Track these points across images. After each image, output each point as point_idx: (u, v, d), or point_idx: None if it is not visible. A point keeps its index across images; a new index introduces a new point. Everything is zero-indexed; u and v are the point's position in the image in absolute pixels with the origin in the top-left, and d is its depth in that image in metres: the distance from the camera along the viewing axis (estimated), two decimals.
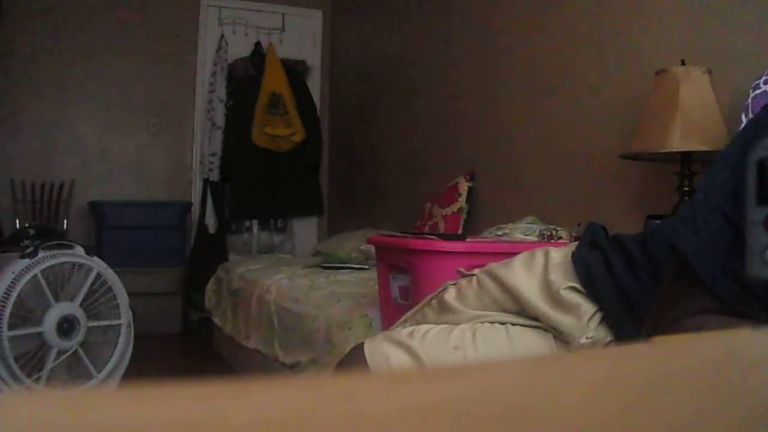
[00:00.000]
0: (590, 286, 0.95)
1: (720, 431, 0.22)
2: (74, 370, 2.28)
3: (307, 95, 4.93)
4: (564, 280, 0.97)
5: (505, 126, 3.13)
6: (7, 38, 4.21)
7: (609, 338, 0.94)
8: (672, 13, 2.27)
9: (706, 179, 0.73)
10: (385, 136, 4.30)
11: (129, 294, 2.45)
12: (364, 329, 2.10)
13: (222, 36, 4.78)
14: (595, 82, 2.59)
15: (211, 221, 4.71)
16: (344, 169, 4.97)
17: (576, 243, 1.05)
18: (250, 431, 0.17)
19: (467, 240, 1.91)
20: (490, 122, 3.23)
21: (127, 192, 4.45)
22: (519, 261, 1.05)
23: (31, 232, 2.83)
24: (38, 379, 2.18)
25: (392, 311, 1.84)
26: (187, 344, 4.07)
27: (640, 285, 0.90)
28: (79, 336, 2.26)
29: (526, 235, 2.16)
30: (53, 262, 2.24)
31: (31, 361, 2.18)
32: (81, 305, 2.28)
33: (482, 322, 1.03)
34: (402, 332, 1.05)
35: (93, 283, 2.32)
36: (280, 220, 4.92)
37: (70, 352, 2.25)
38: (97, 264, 2.35)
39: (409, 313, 1.17)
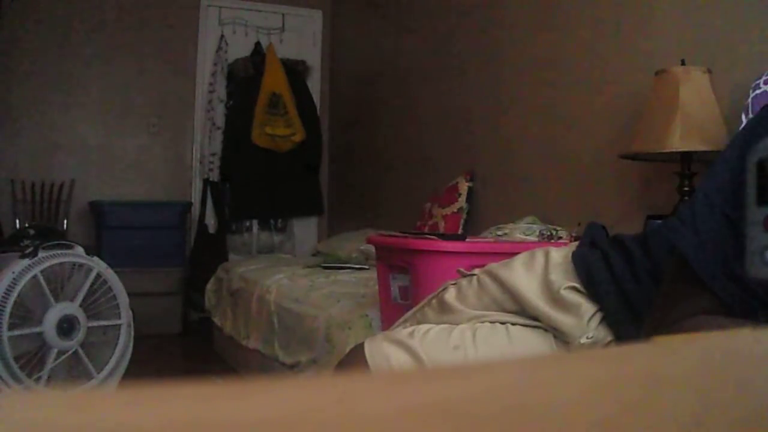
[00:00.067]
0: (590, 286, 0.95)
1: (720, 431, 0.22)
2: (74, 370, 2.28)
3: (307, 95, 4.94)
4: (564, 280, 0.97)
5: (505, 126, 3.13)
6: (7, 38, 4.21)
7: (609, 338, 0.94)
8: (672, 13, 2.27)
9: (706, 179, 0.73)
10: (385, 136, 4.30)
11: (129, 294, 2.45)
12: (364, 329, 2.10)
13: (222, 36, 4.78)
14: (595, 82, 2.59)
15: (211, 221, 4.71)
16: (344, 169, 4.97)
17: (576, 243, 1.05)
18: (250, 431, 0.17)
19: (467, 240, 1.92)
20: (491, 122, 3.23)
21: (127, 192, 4.45)
22: (519, 261, 1.05)
23: (31, 232, 2.83)
24: (38, 379, 2.18)
25: (392, 311, 1.84)
26: (187, 344, 4.07)
27: (641, 285, 0.90)
28: (79, 336, 2.26)
29: (526, 235, 2.16)
30: (53, 262, 2.24)
31: (31, 361, 2.18)
32: (81, 305, 2.28)
33: (482, 322, 1.03)
34: (402, 332, 1.05)
35: (93, 283, 2.32)
36: (280, 220, 4.92)
37: (70, 352, 2.25)
38: (97, 264, 2.35)
39: (409, 313, 1.17)
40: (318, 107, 5.03)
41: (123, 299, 2.40)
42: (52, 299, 2.22)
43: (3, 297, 2.12)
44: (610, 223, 1.23)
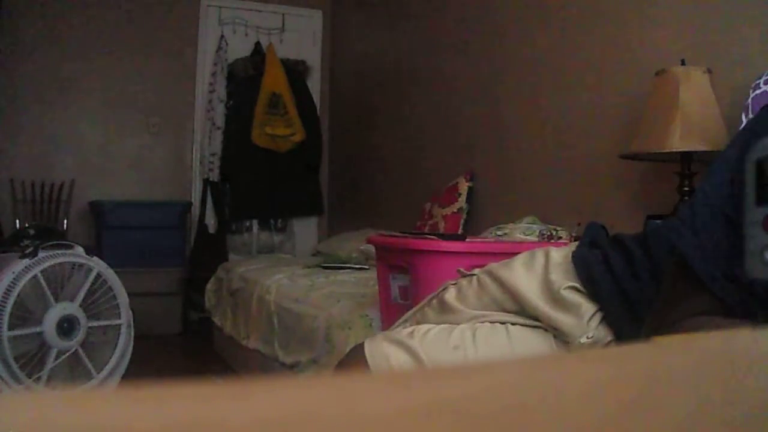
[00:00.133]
0: (590, 286, 0.95)
1: (719, 431, 0.22)
2: (74, 370, 2.28)
3: (307, 95, 4.94)
4: (564, 280, 0.97)
5: (505, 126, 3.13)
6: (7, 38, 4.21)
7: (609, 338, 0.94)
8: (672, 13, 2.27)
9: (705, 180, 0.73)
10: (385, 136, 4.30)
11: (129, 294, 2.45)
12: (364, 329, 2.10)
13: (222, 36, 4.78)
14: (595, 82, 2.59)
15: (211, 221, 4.71)
16: (344, 169, 4.97)
17: (576, 243, 1.05)
18: (250, 431, 0.17)
19: (467, 240, 1.92)
20: (490, 122, 3.23)
21: (127, 192, 4.45)
22: (519, 261, 1.06)
23: (31, 232, 2.83)
24: (38, 379, 2.18)
25: (392, 311, 1.84)
26: (187, 344, 4.06)
27: (641, 285, 0.90)
28: (79, 336, 2.26)
29: (526, 235, 2.16)
30: (53, 262, 2.24)
31: (31, 361, 2.18)
32: (81, 305, 2.28)
33: (482, 322, 1.03)
34: (402, 332, 1.05)
35: (93, 283, 2.32)
36: (280, 220, 4.92)
37: (70, 352, 2.25)
38: (97, 264, 2.35)
39: (409, 313, 1.17)
40: (318, 107, 5.03)
41: (123, 299, 2.40)
42: (52, 299, 2.22)
43: (3, 297, 2.12)
44: (610, 223, 1.22)
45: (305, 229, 5.07)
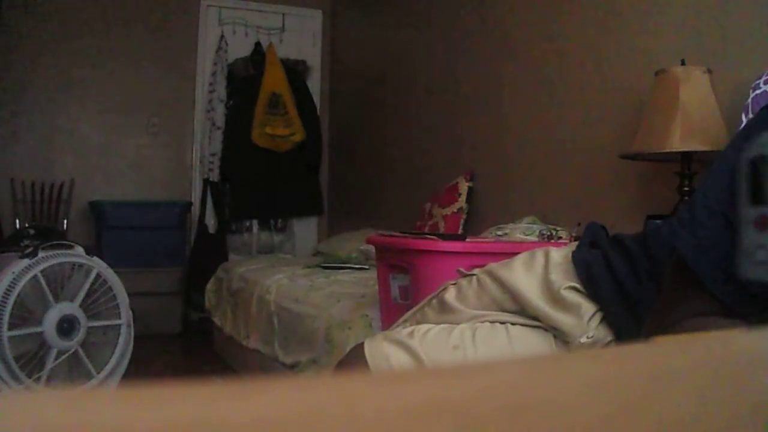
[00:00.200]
0: (591, 286, 0.95)
1: (718, 430, 0.22)
2: (74, 370, 2.28)
3: (307, 95, 4.94)
4: (564, 280, 0.97)
5: (505, 126, 3.13)
6: (7, 38, 4.21)
7: (609, 338, 0.94)
8: (672, 13, 2.27)
9: (705, 180, 0.73)
10: (385, 136, 4.30)
11: (129, 294, 2.45)
12: (364, 329, 2.10)
13: (222, 36, 4.78)
14: (595, 82, 2.59)
15: (211, 221, 4.71)
16: (344, 169, 4.97)
17: (576, 243, 1.05)
18: (250, 431, 0.17)
19: (467, 240, 1.91)
20: (490, 122, 3.23)
21: (127, 192, 4.45)
22: (519, 261, 1.05)
23: (31, 232, 2.83)
24: (38, 379, 2.18)
25: (392, 311, 1.84)
26: (187, 344, 4.07)
27: (641, 285, 0.90)
28: (79, 336, 2.26)
29: (526, 235, 2.16)
30: (53, 262, 2.24)
31: (31, 361, 2.18)
32: (81, 305, 2.28)
33: (482, 322, 1.03)
34: (402, 332, 1.05)
35: (93, 283, 2.32)
36: (280, 220, 4.92)
37: (70, 352, 2.25)
38: (97, 264, 2.35)
39: (409, 313, 1.17)
40: (318, 107, 5.03)
41: (123, 299, 2.40)
42: (52, 299, 2.22)
43: (3, 297, 2.12)
44: (610, 223, 1.22)
45: (305, 229, 5.07)
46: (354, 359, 1.04)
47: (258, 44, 4.86)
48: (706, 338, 0.34)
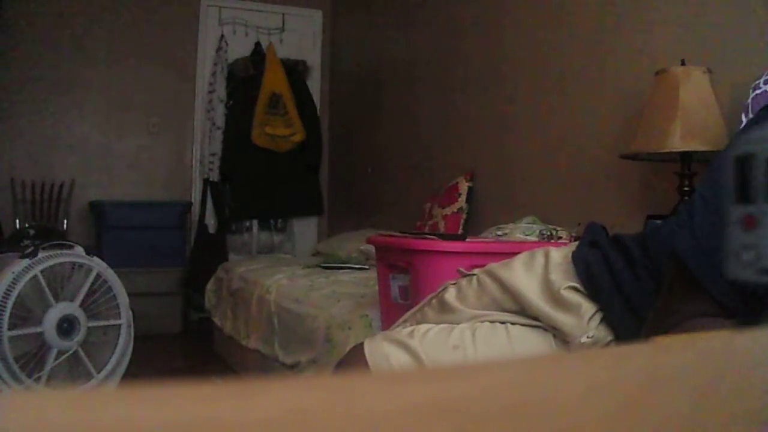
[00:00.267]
0: (591, 286, 0.95)
1: (717, 430, 0.22)
2: (74, 370, 2.28)
3: (307, 95, 4.94)
4: (564, 280, 0.97)
5: (505, 126, 3.13)
6: (7, 38, 4.21)
7: (609, 338, 0.94)
8: (672, 13, 2.27)
9: (704, 181, 0.73)
10: (385, 136, 4.30)
11: (129, 294, 2.45)
12: (364, 329, 2.10)
13: (222, 36, 4.78)
14: (595, 82, 2.59)
15: (211, 221, 4.71)
16: (344, 169, 4.97)
17: (576, 243, 1.05)
18: (250, 431, 0.17)
19: (467, 240, 1.91)
20: (491, 122, 3.23)
21: (127, 192, 4.45)
22: (519, 261, 1.06)
23: (31, 232, 2.83)
24: (38, 379, 2.18)
25: (392, 311, 1.84)
26: (187, 344, 4.07)
27: (641, 285, 0.90)
28: (79, 336, 2.26)
29: (526, 235, 2.16)
30: (53, 262, 2.24)
31: (31, 361, 2.18)
32: (81, 305, 2.28)
33: (482, 322, 1.03)
34: (402, 332, 1.05)
35: (93, 283, 2.32)
36: (280, 220, 4.92)
37: (70, 352, 2.25)
38: (97, 264, 2.35)
39: (409, 313, 1.17)
40: (318, 107, 5.03)
41: (123, 299, 2.40)
42: (52, 299, 2.22)
43: (3, 297, 2.12)
44: (610, 223, 1.22)
45: (305, 229, 5.07)
46: (354, 359, 1.04)
47: (258, 44, 4.86)
48: (706, 338, 0.34)
